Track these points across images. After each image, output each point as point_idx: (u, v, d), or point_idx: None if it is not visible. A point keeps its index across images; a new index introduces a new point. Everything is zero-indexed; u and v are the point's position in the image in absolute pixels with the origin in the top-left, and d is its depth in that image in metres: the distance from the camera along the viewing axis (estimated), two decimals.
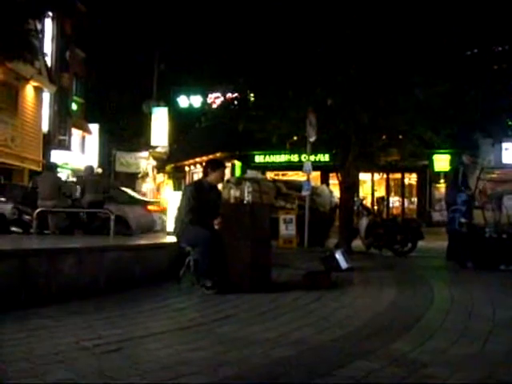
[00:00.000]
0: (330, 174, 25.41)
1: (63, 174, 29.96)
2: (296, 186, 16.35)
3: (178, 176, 42.91)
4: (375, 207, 17.91)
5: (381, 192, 30.52)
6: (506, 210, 10.66)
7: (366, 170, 22.58)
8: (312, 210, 14.71)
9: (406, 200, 31.92)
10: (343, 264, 9.43)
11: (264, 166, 29.47)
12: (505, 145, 25.06)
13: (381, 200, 19.69)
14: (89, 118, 44.58)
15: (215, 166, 7.83)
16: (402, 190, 31.83)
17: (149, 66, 46.79)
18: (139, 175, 55.51)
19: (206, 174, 7.78)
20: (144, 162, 52.31)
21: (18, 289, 5.75)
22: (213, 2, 14.78)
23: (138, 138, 50.07)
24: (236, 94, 15.60)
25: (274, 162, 31.42)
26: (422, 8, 12.33)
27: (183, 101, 40.86)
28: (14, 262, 5.82)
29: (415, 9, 12.35)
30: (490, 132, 17.80)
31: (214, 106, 31.61)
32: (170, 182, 45.05)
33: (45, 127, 33.65)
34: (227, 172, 25.38)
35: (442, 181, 28.42)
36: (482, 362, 3.97)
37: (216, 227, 7.32)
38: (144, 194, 52.57)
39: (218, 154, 31.43)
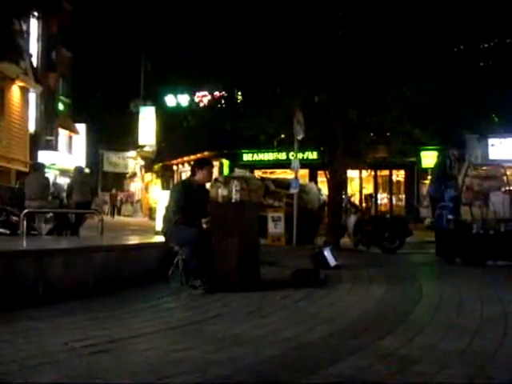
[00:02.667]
0: (318, 172, 25.42)
1: (51, 175, 29.83)
2: (284, 184, 16.36)
3: (166, 175, 42.80)
4: (363, 204, 17.96)
5: (369, 189, 30.53)
6: (492, 206, 10.70)
7: (353, 167, 22.59)
8: (300, 207, 14.73)
9: (394, 197, 31.98)
10: (332, 261, 9.45)
11: (252, 165, 29.43)
12: (491, 141, 25.15)
13: (369, 197, 19.68)
14: (76, 118, 44.45)
15: (202, 165, 7.82)
16: (390, 187, 31.86)
17: (135, 65, 46.69)
18: (127, 175, 55.40)
19: (193, 173, 7.77)
20: (132, 161, 52.24)
21: (6, 290, 5.71)
22: (199, 0, 14.75)
23: (125, 137, 50.02)
24: (223, 93, 15.59)
25: (261, 161, 31.38)
26: (408, 5, 12.37)
27: (170, 100, 40.70)
28: (0, 263, 5.78)
29: (402, 6, 12.38)
30: (476, 128, 17.84)
31: (202, 104, 31.55)
32: (159, 181, 44.93)
33: (31, 127, 33.52)
34: (215, 171, 25.34)
35: (429, 177, 28.49)
36: (470, 357, 3.99)
37: (204, 226, 7.32)
38: (132, 194, 52.54)
39: (205, 153, 31.35)
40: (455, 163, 11.66)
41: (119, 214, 46.11)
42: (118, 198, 48.17)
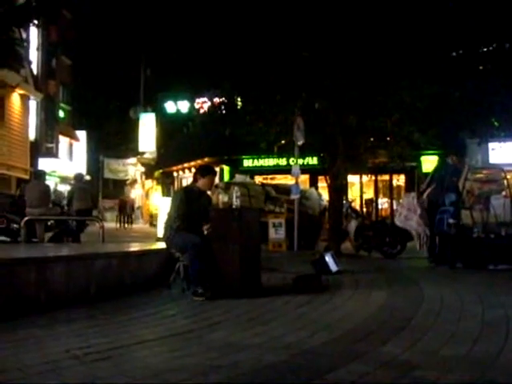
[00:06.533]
0: (319, 177, 25.39)
1: (51, 182, 29.83)
2: (285, 190, 16.36)
3: (166, 182, 42.77)
4: (364, 209, 17.96)
5: (369, 194, 30.55)
6: (493, 209, 10.69)
7: (354, 173, 22.60)
8: (301, 213, 14.72)
9: (394, 201, 31.95)
10: (333, 267, 9.45)
11: (252, 171, 29.40)
12: (491, 145, 25.14)
13: (369, 202, 19.70)
14: (76, 125, 44.52)
15: (205, 172, 7.83)
16: (391, 192, 31.85)
17: (135, 72, 46.77)
18: (128, 182, 55.39)
19: (195, 179, 7.78)
20: (132, 168, 52.22)
21: (7, 298, 5.70)
22: (199, 7, 14.78)
23: (125, 144, 50.02)
24: (223, 99, 15.61)
25: (262, 166, 31.35)
26: (408, 10, 12.40)
27: (170, 106, 40.77)
28: (2, 271, 5.78)
29: (401, 12, 12.41)
30: (476, 132, 17.84)
31: (202, 111, 31.58)
32: (159, 188, 44.91)
33: (32, 135, 33.55)
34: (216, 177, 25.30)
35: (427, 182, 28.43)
36: (472, 362, 3.98)
37: (205, 232, 7.33)
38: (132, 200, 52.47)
39: (206, 159, 31.36)
40: (455, 171, 11.64)
41: (131, 222, 40.81)
42: (129, 204, 42.37)
